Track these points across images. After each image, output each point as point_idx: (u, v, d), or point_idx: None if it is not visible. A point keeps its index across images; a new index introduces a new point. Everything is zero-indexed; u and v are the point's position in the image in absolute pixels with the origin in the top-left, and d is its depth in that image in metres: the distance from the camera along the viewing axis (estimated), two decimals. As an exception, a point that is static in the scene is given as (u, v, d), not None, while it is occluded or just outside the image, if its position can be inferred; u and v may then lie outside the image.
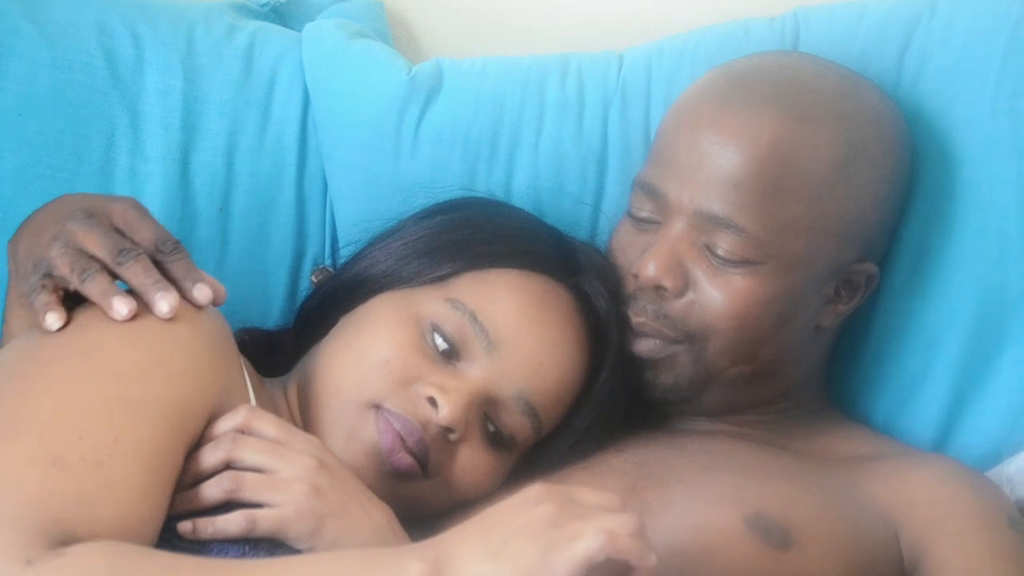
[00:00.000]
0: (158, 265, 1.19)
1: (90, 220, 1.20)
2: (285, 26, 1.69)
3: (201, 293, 1.19)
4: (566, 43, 1.65)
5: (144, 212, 1.23)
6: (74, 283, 1.17)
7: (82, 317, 1.18)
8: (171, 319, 1.17)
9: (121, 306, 1.15)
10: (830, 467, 1.41)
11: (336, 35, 1.61)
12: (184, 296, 1.18)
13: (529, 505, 1.06)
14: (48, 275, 1.19)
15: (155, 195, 1.51)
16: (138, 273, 1.17)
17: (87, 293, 1.16)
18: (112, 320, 1.16)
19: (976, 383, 1.51)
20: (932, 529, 1.33)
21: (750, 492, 1.32)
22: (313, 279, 1.53)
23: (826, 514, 1.32)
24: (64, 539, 1.01)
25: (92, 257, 1.18)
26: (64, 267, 1.18)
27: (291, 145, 1.57)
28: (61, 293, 1.18)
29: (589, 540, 1.03)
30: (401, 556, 1.04)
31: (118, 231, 1.21)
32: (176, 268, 1.20)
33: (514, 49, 1.65)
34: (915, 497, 1.36)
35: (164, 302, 1.16)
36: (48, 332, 1.16)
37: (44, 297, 1.17)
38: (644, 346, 1.41)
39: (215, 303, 1.22)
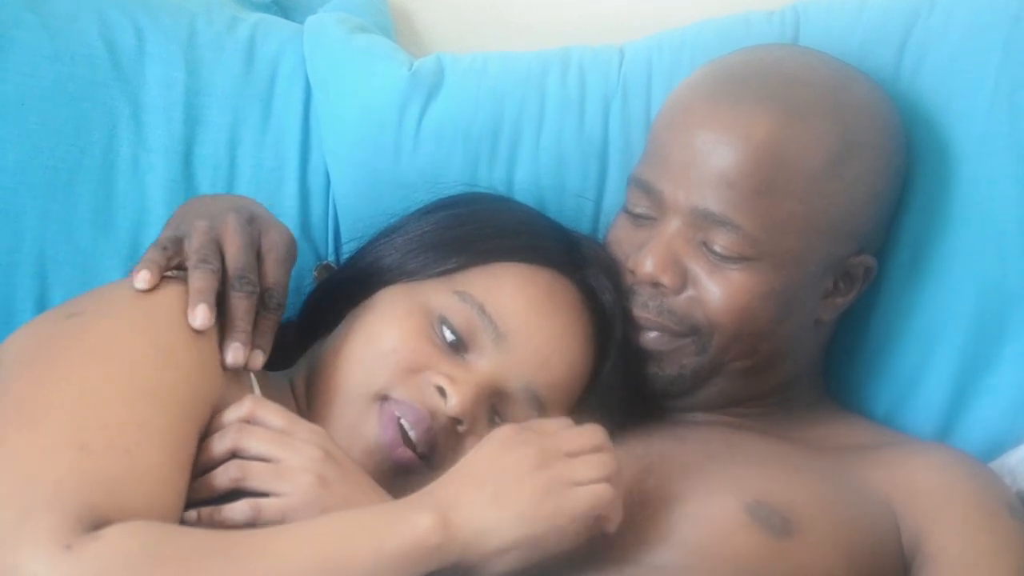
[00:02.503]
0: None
1: (245, 227, 1.23)
2: (287, 18, 1.69)
3: (254, 360, 1.21)
4: (567, 37, 1.65)
5: (288, 257, 1.27)
6: (190, 261, 1.20)
7: (94, 306, 1.19)
8: (177, 311, 1.18)
9: (198, 317, 1.17)
10: (830, 456, 1.41)
11: (337, 30, 1.60)
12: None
13: (508, 447, 1.17)
14: (179, 239, 1.21)
15: (158, 186, 1.51)
16: (240, 309, 1.20)
17: (191, 278, 1.19)
18: (124, 312, 1.17)
19: (977, 377, 1.51)
20: (931, 516, 1.34)
21: (750, 481, 1.32)
22: (316, 275, 1.52)
23: (826, 501, 1.33)
24: (97, 524, 1.02)
25: (220, 256, 1.20)
26: (195, 243, 1.21)
27: (293, 138, 1.57)
28: (174, 263, 1.20)
29: (597, 491, 1.17)
30: (408, 510, 1.12)
31: (257, 255, 1.23)
32: (262, 323, 1.22)
33: (516, 43, 1.65)
34: (914, 484, 1.36)
35: (233, 354, 1.19)
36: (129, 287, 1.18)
37: (155, 255, 1.20)
38: (649, 338, 1.41)
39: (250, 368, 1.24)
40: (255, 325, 1.22)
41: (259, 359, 1.22)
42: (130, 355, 1.13)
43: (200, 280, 1.19)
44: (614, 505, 1.20)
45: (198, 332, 1.18)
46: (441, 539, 1.10)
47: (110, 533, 1.01)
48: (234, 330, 1.19)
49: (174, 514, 1.09)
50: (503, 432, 1.20)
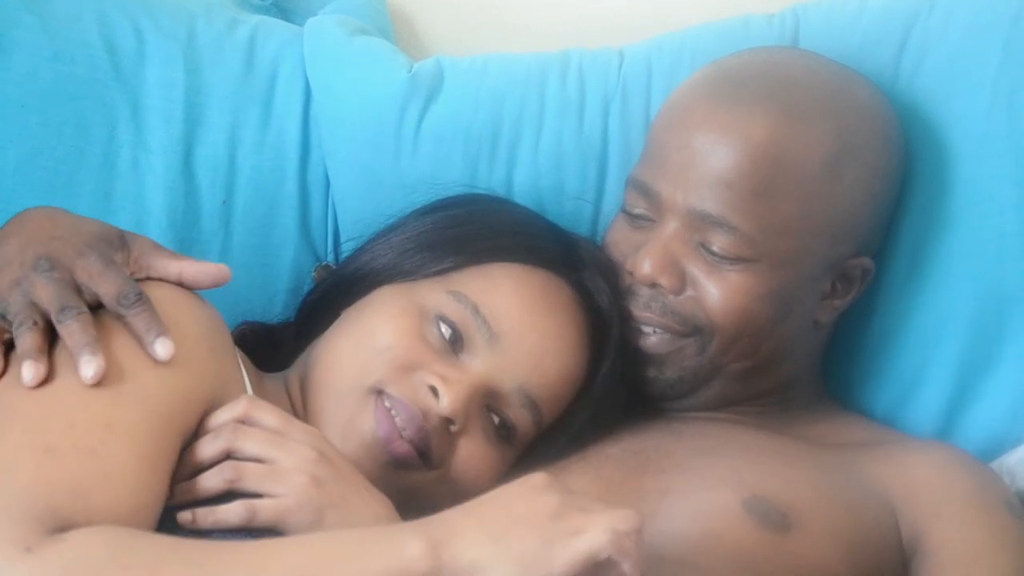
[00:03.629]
0: (121, 318, 1.16)
1: (50, 273, 1.17)
2: (287, 20, 1.70)
3: (162, 347, 1.15)
4: (566, 39, 1.66)
5: (108, 262, 1.20)
6: (13, 329, 1.15)
7: None
8: (165, 312, 1.17)
9: (28, 372, 1.11)
10: (829, 451, 1.41)
11: (337, 32, 1.61)
12: (145, 350, 1.15)
13: (532, 493, 1.09)
14: (2, 316, 1.17)
15: (157, 187, 1.52)
16: (73, 332, 1.13)
17: (17, 344, 1.14)
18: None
19: (976, 378, 1.51)
20: (931, 513, 1.34)
21: (748, 476, 1.33)
22: (315, 275, 1.53)
23: (825, 497, 1.33)
24: (61, 527, 1.01)
25: (39, 311, 1.16)
26: (12, 314, 1.16)
27: (293, 139, 1.57)
28: (6, 336, 1.16)
29: (594, 536, 1.06)
30: (399, 534, 1.06)
31: (79, 285, 1.18)
32: (137, 322, 1.16)
33: (515, 45, 1.65)
34: (914, 481, 1.37)
35: (89, 367, 1.11)
36: None
37: None
38: (651, 341, 1.41)
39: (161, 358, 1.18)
40: (133, 326, 1.16)
41: (165, 346, 1.15)
42: (109, 355, 1.12)
43: (21, 342, 1.13)
44: (622, 551, 1.07)
45: (183, 331, 1.17)
46: (429, 567, 1.03)
47: (73, 536, 1.00)
48: (76, 352, 1.12)
49: (147, 515, 1.08)
50: (538, 479, 1.12)
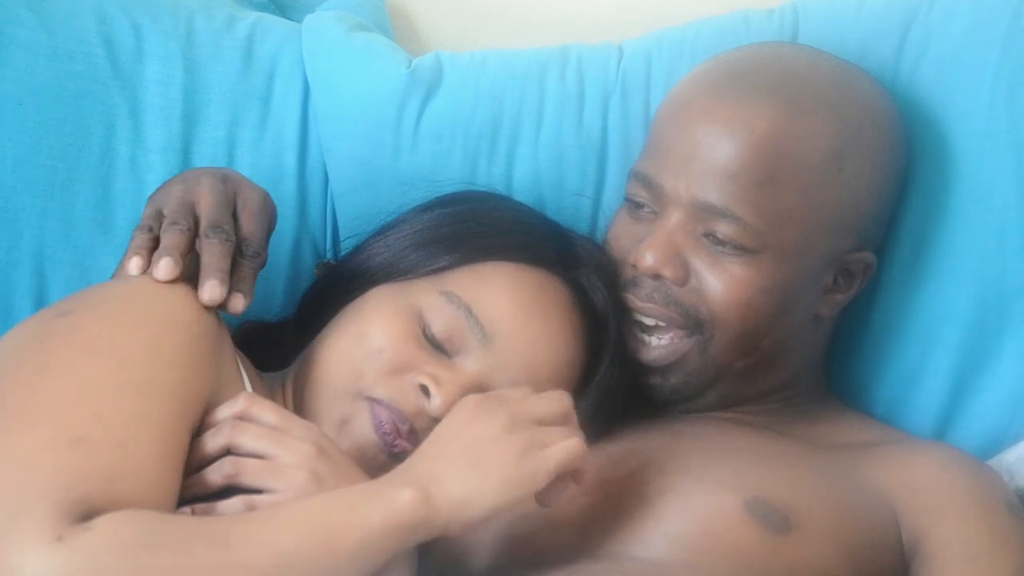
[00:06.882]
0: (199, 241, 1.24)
1: (218, 185, 1.27)
2: (285, 17, 1.69)
3: (234, 303, 1.23)
4: (566, 35, 1.65)
5: (263, 210, 1.30)
6: (163, 227, 1.22)
7: (85, 304, 1.19)
8: (168, 307, 1.19)
9: (164, 268, 1.19)
10: (830, 452, 1.41)
11: (336, 28, 1.61)
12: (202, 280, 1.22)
13: (476, 415, 1.18)
14: (158, 212, 1.25)
15: (156, 185, 1.47)
16: (214, 254, 1.22)
17: (161, 238, 1.22)
18: (115, 309, 1.18)
19: (976, 374, 1.51)
20: (932, 514, 1.34)
21: (749, 476, 1.32)
22: (316, 273, 1.52)
23: (826, 498, 1.32)
24: (89, 515, 1.02)
25: (193, 216, 1.24)
26: (168, 209, 1.24)
27: (292, 136, 1.57)
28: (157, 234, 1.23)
29: (567, 446, 1.18)
30: (390, 487, 1.12)
31: (233, 211, 1.27)
32: (241, 270, 1.24)
33: (515, 40, 1.65)
34: (915, 482, 1.36)
35: (214, 291, 1.20)
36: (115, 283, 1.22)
37: (140, 239, 1.23)
38: (654, 354, 1.41)
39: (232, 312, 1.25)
40: (234, 272, 1.24)
41: (240, 302, 1.23)
42: (122, 350, 1.13)
43: (168, 239, 1.22)
44: (586, 459, 1.20)
45: (186, 328, 1.18)
46: (425, 513, 1.10)
47: (101, 522, 1.01)
48: (208, 270, 1.21)
49: (167, 510, 1.09)
50: (470, 401, 1.20)
